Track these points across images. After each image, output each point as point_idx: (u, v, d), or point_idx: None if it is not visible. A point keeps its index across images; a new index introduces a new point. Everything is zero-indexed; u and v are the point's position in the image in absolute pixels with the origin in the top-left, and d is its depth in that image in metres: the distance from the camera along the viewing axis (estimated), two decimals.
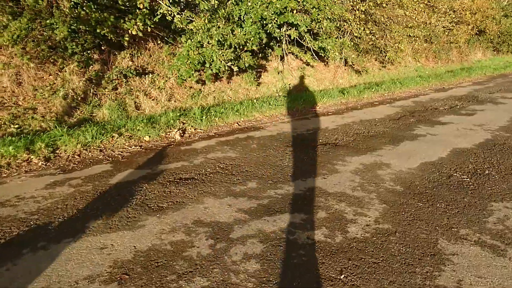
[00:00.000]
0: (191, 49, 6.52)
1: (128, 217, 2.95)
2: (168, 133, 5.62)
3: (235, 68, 6.84)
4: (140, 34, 6.51)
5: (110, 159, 4.45)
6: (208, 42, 6.40)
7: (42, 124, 5.63)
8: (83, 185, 3.56)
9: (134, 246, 2.55)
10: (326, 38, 8.59)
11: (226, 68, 6.60)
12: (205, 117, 6.19)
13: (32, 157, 4.34)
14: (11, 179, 3.72)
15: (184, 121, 6.10)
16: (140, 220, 2.93)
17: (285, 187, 3.59)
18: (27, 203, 3.14)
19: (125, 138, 5.24)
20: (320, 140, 5.21)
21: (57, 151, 4.59)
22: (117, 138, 5.17)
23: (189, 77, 6.71)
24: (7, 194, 3.32)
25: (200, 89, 7.69)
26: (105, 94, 6.43)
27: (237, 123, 6.38)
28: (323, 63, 11.26)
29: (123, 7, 6.52)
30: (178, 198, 3.33)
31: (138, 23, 6.39)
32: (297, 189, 3.58)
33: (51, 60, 6.21)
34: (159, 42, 7.65)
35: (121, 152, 4.75)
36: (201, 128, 5.92)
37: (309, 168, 4.12)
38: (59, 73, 6.52)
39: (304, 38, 8.41)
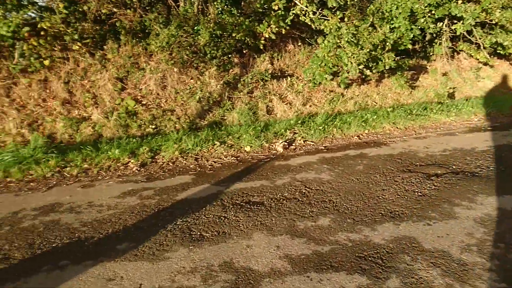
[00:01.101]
0: (325, 50, 7.03)
1: (160, 245, 3.08)
2: (272, 144, 5.73)
3: (367, 72, 6.55)
4: (273, 37, 7.38)
5: (198, 169, 4.83)
6: (340, 43, 6.24)
7: (176, 125, 6.70)
8: (149, 198, 3.93)
9: (140, 284, 2.59)
10: (501, 32, 7.55)
11: (357, 71, 6.43)
12: (323, 127, 6.04)
13: (132, 161, 5.07)
14: (100, 183, 4.41)
15: (296, 131, 6.11)
16: (170, 250, 3.00)
17: (365, 231, 3.17)
18: (90, 212, 3.65)
19: (226, 146, 5.56)
20: (453, 166, 4.55)
21: (156, 157, 5.27)
22: (217, 146, 5.53)
23: (323, 81, 7.24)
24: (83, 199, 3.95)
25: (342, 93, 7.62)
26: (239, 97, 7.18)
27: (358, 135, 6.09)
28: (508, 62, 9.87)
29: (260, 10, 6.93)
30: (227, 227, 3.32)
31: (271, 25, 6.67)
32: (379, 236, 3.10)
33: (194, 65, 7.34)
34: (299, 43, 7.93)
35: (214, 162, 5.09)
36: (312, 140, 5.87)
37: (414, 206, 3.59)
38: (200, 77, 8.08)
39: (473, 33, 7.84)
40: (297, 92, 7.57)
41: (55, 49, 6.94)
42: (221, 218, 3.57)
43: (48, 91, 7.01)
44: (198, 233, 3.31)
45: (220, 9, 7.02)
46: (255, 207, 3.78)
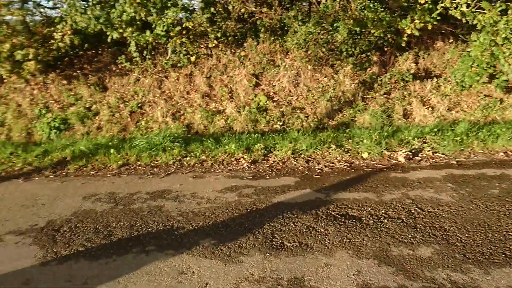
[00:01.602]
0: (479, 49, 6.39)
1: (239, 246, 3.14)
2: (394, 153, 5.35)
3: None
4: (416, 33, 7.06)
5: (306, 172, 4.78)
6: (496, 40, 5.93)
7: (303, 123, 6.91)
8: (247, 197, 4.06)
9: (207, 284, 2.71)
10: None
11: None
12: (461, 138, 5.40)
13: (245, 157, 5.31)
14: (210, 175, 4.74)
15: (427, 140, 5.61)
16: (246, 254, 3.03)
17: (474, 273, 2.69)
18: (191, 202, 3.96)
19: (342, 151, 5.40)
20: None
21: (269, 155, 5.41)
22: (332, 150, 5.40)
23: (473, 83, 6.61)
24: (190, 190, 4.29)
25: (500, 99, 6.84)
26: (374, 98, 7.01)
27: (505, 151, 5.33)
28: None
29: (405, 4, 6.61)
30: (311, 240, 3.21)
31: (415, 20, 6.24)
32: (492, 283, 2.62)
33: (329, 63, 7.41)
34: (450, 40, 7.27)
35: (325, 166, 4.99)
36: (443, 152, 5.34)
37: None
38: (334, 75, 7.52)
39: None
40: (443, 95, 7.12)
41: (201, 46, 8.13)
42: (309, 229, 3.43)
43: (192, 84, 8.21)
44: (280, 241, 3.25)
45: (363, 4, 7.13)
46: (350, 221, 3.54)
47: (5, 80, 7.53)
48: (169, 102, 7.77)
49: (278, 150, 5.43)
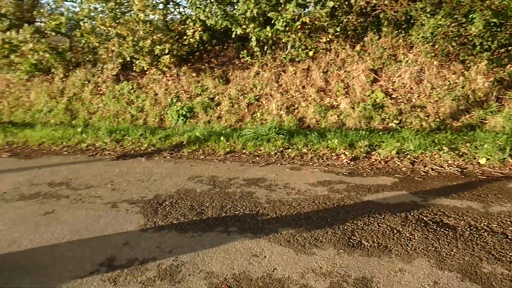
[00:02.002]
0: None
1: (315, 239, 3.25)
2: None
3: None
4: None
5: (407, 174, 4.64)
6: None
7: (422, 123, 6.65)
8: (337, 193, 4.16)
9: (275, 269, 2.88)
10: None
11: None
12: None
13: (346, 153, 5.37)
14: (307, 168, 4.95)
15: None
16: (320, 247, 3.13)
17: None
18: (281, 192, 4.23)
19: (455, 154, 5.05)
20: None
21: (373, 153, 5.36)
22: (443, 153, 5.09)
23: None
24: (283, 180, 4.58)
25: None
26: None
27: None
28: None
29: None
30: (392, 243, 3.14)
31: None
32: None
33: (459, 58, 6.91)
34: None
35: (432, 169, 4.75)
36: None
37: None
38: (464, 71, 7.79)
39: None
40: None
41: (320, 41, 8.55)
42: (393, 231, 3.34)
43: (308, 79, 8.69)
44: (358, 239, 3.23)
45: None
46: (441, 230, 3.33)
47: (147, 72, 9.15)
48: (285, 95, 8.40)
49: (382, 149, 5.34)
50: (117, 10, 8.11)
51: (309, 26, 7.77)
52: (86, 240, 3.27)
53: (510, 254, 2.95)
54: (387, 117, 7.20)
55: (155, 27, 8.07)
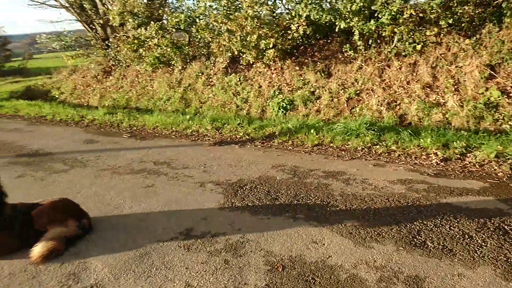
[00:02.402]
0: None
1: (378, 234, 3.25)
2: None
3: None
4: None
5: (502, 180, 4.25)
6: None
7: None
8: (414, 192, 4.01)
9: (330, 256, 2.96)
10: None
11: None
12: None
13: (438, 153, 5.08)
14: (391, 166, 4.84)
15: None
16: (380, 242, 3.11)
17: None
18: (356, 186, 4.24)
19: None
20: None
21: (468, 155, 4.99)
22: None
23: None
24: (362, 175, 4.54)
25: None
26: None
27: None
28: None
29: None
30: (459, 247, 2.98)
31: None
32: None
33: None
34: None
35: None
36: None
37: None
38: None
39: None
40: None
41: (429, 34, 8.08)
42: (464, 236, 3.17)
43: (414, 74, 8.29)
44: (423, 240, 3.15)
45: None
46: None
47: (253, 65, 9.67)
48: (387, 91, 8.17)
49: (480, 151, 4.94)
50: (228, 7, 8.72)
51: (417, 19, 7.41)
52: (173, 212, 3.78)
53: None
54: (501, 117, 6.60)
55: (262, 23, 8.48)
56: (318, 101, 8.60)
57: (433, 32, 7.31)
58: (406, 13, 7.08)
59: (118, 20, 10.14)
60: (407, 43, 7.84)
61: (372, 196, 3.98)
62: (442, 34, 7.52)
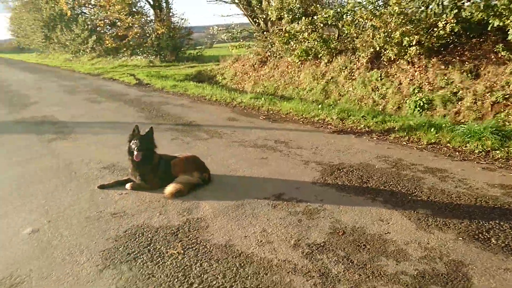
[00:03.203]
0: None
1: (444, 224, 3.29)
2: None
3: None
4: None
5: None
6: None
7: None
8: (510, 197, 3.77)
9: (388, 232, 3.16)
10: None
11: None
12: None
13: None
14: (502, 171, 4.61)
15: None
16: (442, 230, 3.16)
17: None
18: (450, 184, 4.23)
19: None
20: None
21: None
22: None
23: None
24: (463, 175, 4.44)
25: None
26: None
27: None
28: None
29: None
30: None
31: None
32: None
33: None
34: None
35: None
36: None
37: None
38: None
39: None
40: None
41: None
42: None
43: None
44: (489, 236, 3.21)
45: None
46: None
47: (397, 62, 9.72)
48: None
49: None
50: (376, 4, 8.98)
51: None
52: (275, 180, 4.57)
53: None
54: None
55: (408, 19, 8.52)
56: (459, 103, 8.29)
57: None
58: None
59: (275, 15, 11.25)
60: None
61: (460, 194, 4.03)
62: None
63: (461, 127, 6.04)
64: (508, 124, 7.39)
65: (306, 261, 2.92)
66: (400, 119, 7.03)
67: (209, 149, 5.89)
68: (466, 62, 8.63)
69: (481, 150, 5.31)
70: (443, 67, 8.94)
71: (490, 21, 7.60)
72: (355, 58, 10.67)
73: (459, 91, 8.33)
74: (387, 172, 4.71)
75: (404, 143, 5.91)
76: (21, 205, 4.11)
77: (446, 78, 8.65)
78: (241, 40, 14.59)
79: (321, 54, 10.94)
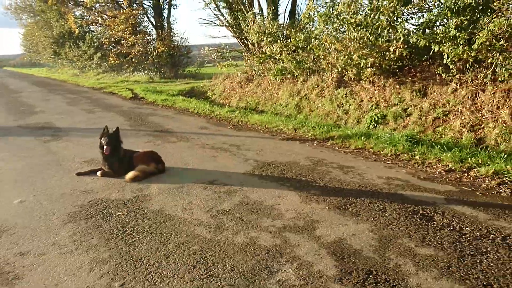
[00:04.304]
0: None
1: (324, 199, 4.34)
2: None
3: None
4: None
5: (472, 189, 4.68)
6: None
7: None
8: (387, 186, 4.91)
9: (278, 204, 4.23)
10: None
11: None
12: None
13: (449, 164, 5.81)
14: (399, 168, 5.69)
15: None
16: (319, 203, 4.19)
17: None
18: (348, 174, 5.34)
19: None
20: None
21: (473, 170, 5.50)
22: None
23: None
24: (365, 171, 5.52)
25: None
26: None
27: None
28: None
29: None
30: (370, 212, 3.80)
31: None
32: None
33: None
34: None
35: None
36: None
37: None
38: None
39: None
40: None
41: None
42: (378, 208, 4.25)
43: (507, 100, 8.58)
44: (348, 208, 4.33)
45: None
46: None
47: (361, 82, 11.02)
48: (475, 114, 8.70)
49: (483, 167, 5.61)
50: (338, 30, 10.35)
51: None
52: (215, 171, 5.85)
53: None
54: None
55: (364, 44, 9.85)
56: (408, 118, 9.53)
57: None
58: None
59: (256, 38, 12.70)
60: (504, 69, 8.26)
61: (350, 182, 5.24)
62: None
63: (385, 135, 7.26)
64: (444, 136, 8.63)
65: (210, 220, 4.17)
66: (342, 129, 8.27)
67: (174, 149, 7.20)
68: (416, 83, 9.90)
69: (393, 153, 6.51)
70: (397, 86, 10.22)
71: (432, 47, 8.90)
72: (327, 77, 11.99)
73: (408, 108, 9.58)
74: (305, 168, 5.92)
75: (336, 148, 7.15)
76: (16, 186, 5.40)
77: (399, 96, 9.93)
78: (230, 60, 16.03)
79: (296, 74, 12.28)
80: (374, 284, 2.93)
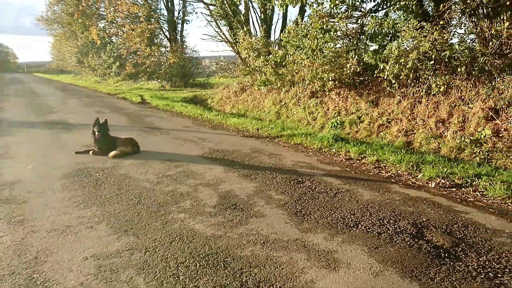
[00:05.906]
0: None
1: (241, 172, 6.26)
2: None
3: None
4: None
5: (355, 169, 6.58)
6: None
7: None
8: (295, 167, 6.72)
9: (206, 173, 6.25)
10: None
11: None
12: None
13: (352, 155, 7.58)
14: (312, 156, 7.50)
15: None
16: (233, 172, 6.08)
17: None
18: (275, 159, 7.16)
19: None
20: None
21: (364, 158, 7.32)
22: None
23: None
24: (288, 157, 7.26)
25: None
26: None
27: None
28: None
29: None
30: (264, 179, 5.86)
31: None
32: None
33: None
34: None
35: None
36: None
37: None
38: None
39: None
40: None
41: (456, 78, 10.04)
42: (271, 178, 6.19)
43: (435, 110, 10.45)
44: (254, 177, 6.24)
45: None
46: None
47: (330, 93, 13.04)
48: (410, 122, 10.62)
49: (371, 157, 7.56)
50: (309, 49, 12.47)
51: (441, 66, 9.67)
52: (177, 154, 7.96)
53: None
54: (478, 152, 8.57)
55: (327, 61, 11.93)
56: (360, 124, 11.49)
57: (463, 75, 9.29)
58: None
59: (245, 53, 14.95)
60: (434, 84, 10.20)
61: (267, 163, 7.28)
62: (462, 80, 9.48)
63: (318, 134, 9.29)
64: (384, 139, 10.59)
65: (155, 179, 6.30)
66: (292, 130, 10.32)
67: (154, 140, 9.42)
68: (371, 94, 11.87)
69: (318, 147, 8.53)
70: (357, 97, 12.20)
71: (379, 64, 10.89)
72: (303, 89, 14.05)
73: (362, 116, 11.54)
74: (243, 154, 8.02)
75: (280, 143, 9.21)
76: (31, 159, 7.68)
77: (357, 106, 11.90)
78: (228, 71, 18.31)
79: (278, 85, 14.38)
80: (232, 208, 4.98)
